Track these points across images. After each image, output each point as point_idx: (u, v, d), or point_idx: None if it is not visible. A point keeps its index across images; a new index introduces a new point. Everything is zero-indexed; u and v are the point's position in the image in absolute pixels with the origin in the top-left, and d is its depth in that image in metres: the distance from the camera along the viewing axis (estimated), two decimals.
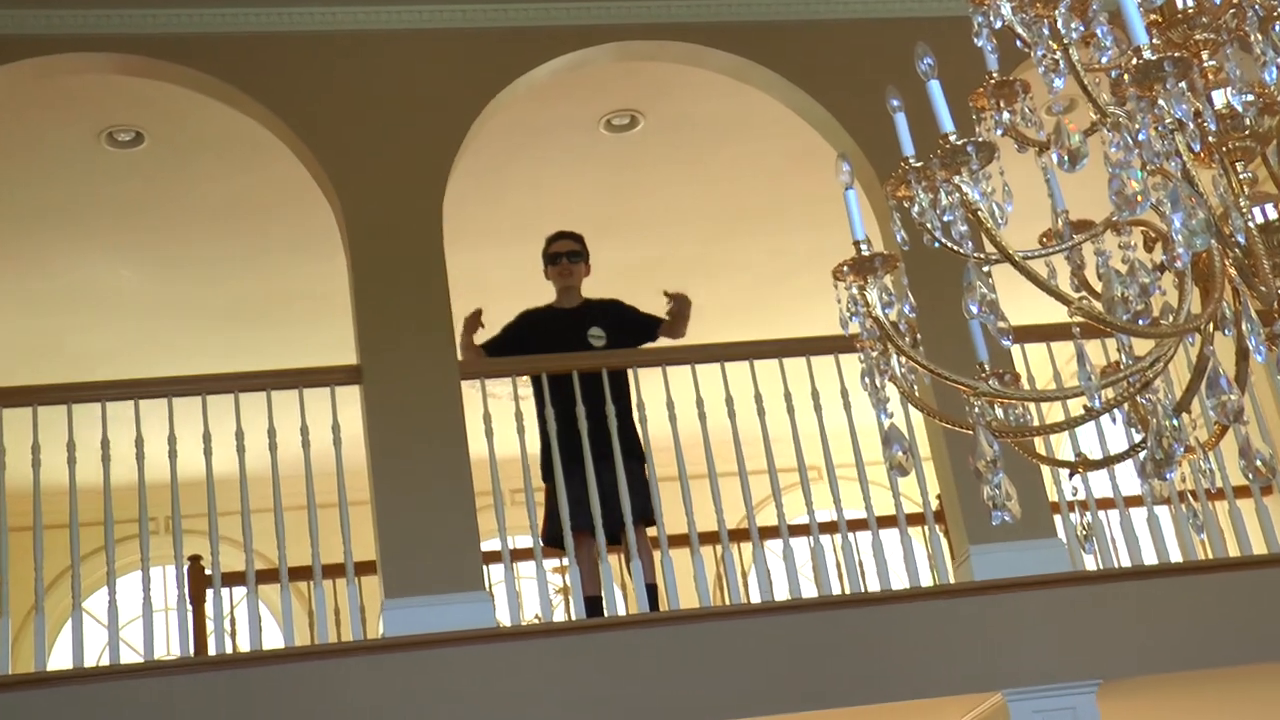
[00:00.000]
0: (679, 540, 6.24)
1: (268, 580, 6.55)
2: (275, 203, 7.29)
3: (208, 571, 6.74)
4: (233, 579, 6.38)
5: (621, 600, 6.83)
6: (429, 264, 5.83)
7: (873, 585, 7.85)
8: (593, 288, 6.55)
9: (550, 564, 8.04)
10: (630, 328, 6.22)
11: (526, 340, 6.16)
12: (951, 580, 5.86)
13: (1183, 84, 1.99)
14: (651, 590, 5.70)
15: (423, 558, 5.38)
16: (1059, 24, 2.23)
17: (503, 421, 5.88)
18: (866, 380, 2.41)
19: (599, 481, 5.63)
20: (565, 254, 6.27)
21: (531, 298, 6.48)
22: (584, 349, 6.07)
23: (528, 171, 7.38)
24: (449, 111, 6.11)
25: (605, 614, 5.49)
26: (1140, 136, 2.05)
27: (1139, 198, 2.07)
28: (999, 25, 2.31)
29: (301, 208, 7.16)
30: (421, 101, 6.13)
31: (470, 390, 5.96)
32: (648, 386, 6.12)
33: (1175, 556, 6.75)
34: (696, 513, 5.62)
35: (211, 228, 7.51)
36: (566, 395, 5.74)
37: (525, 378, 6.20)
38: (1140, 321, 2.20)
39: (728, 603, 6.94)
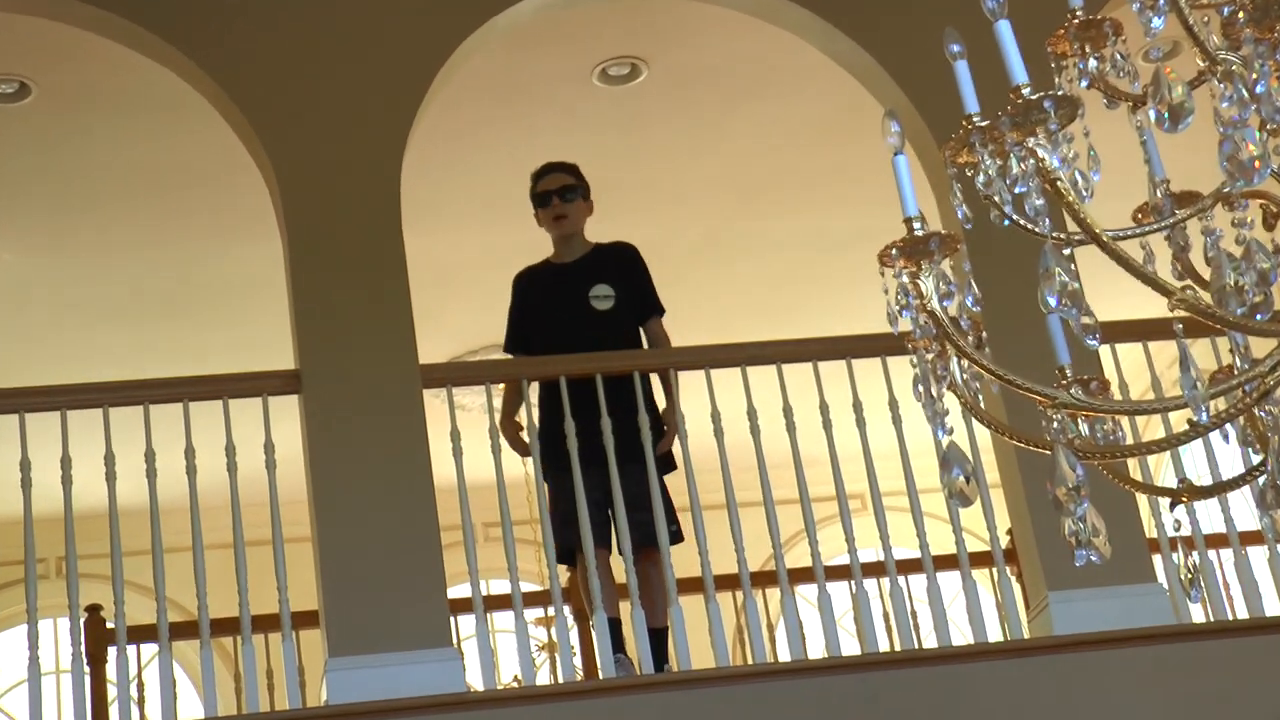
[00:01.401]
0: (690, 584, 6.23)
1: (184, 635, 6.52)
2: (196, 173, 7.31)
3: (110, 624, 6.74)
4: (141, 634, 6.38)
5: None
6: (383, 248, 5.85)
7: (928, 641, 7.84)
8: None
9: (533, 614, 8.04)
10: (638, 292, 6.10)
11: (526, 313, 6.11)
12: (1025, 635, 5.87)
13: None
14: (658, 637, 5.68)
15: (376, 607, 5.39)
16: None
17: (474, 439, 5.89)
18: (920, 389, 2.42)
19: (593, 494, 5.60)
20: (556, 191, 6.12)
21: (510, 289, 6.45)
22: (581, 311, 6.01)
23: (504, 134, 7.40)
24: (407, 61, 6.13)
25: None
26: (1258, 89, 2.05)
27: (1256, 164, 2.07)
28: None
29: (228, 180, 7.19)
30: (374, 49, 6.16)
31: (435, 401, 5.95)
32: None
33: None
34: (713, 551, 5.61)
35: (115, 203, 7.52)
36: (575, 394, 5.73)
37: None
38: (1258, 316, 2.20)
39: (750, 661, 6.93)
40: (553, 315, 6.03)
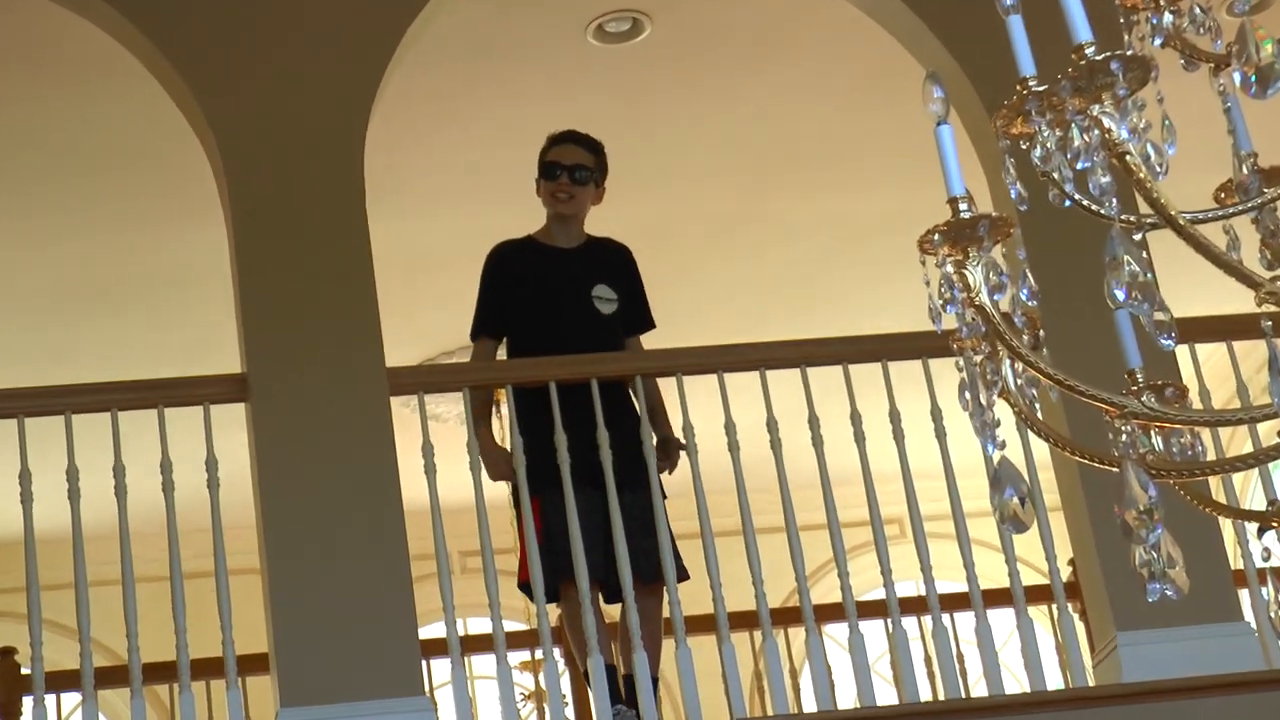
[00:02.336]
0: (700, 623, 6.23)
1: (112, 683, 6.54)
2: (126, 150, 7.32)
3: (25, 670, 6.73)
4: (62, 680, 6.38)
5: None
6: (344, 233, 5.85)
7: (977, 690, 7.84)
8: None
9: (517, 657, 8.04)
10: (635, 301, 6.09)
11: (509, 292, 6.02)
12: (1090, 682, 5.85)
13: None
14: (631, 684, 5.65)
15: (335, 650, 5.38)
16: None
17: (450, 455, 5.88)
18: (967, 396, 2.42)
19: (592, 517, 5.60)
20: (569, 168, 6.04)
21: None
22: (586, 311, 5.98)
23: (485, 100, 7.41)
24: (372, 15, 6.13)
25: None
26: None
27: None
28: None
29: (164, 156, 7.20)
30: (333, 1, 6.16)
31: (405, 410, 5.94)
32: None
33: None
34: (726, 584, 5.60)
35: (31, 180, 7.52)
36: (550, 404, 5.72)
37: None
38: None
39: (770, 713, 6.93)
40: (548, 304, 5.97)
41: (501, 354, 6.06)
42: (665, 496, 5.76)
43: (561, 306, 5.97)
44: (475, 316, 6.05)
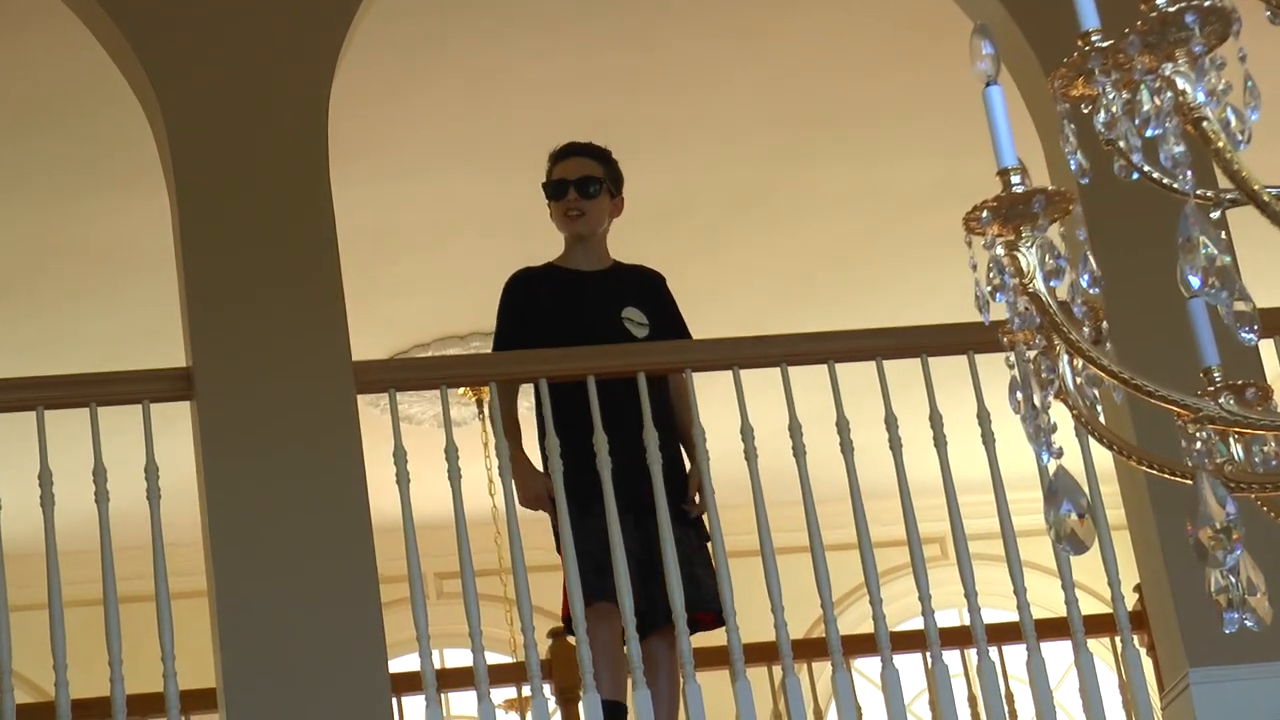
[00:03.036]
0: (711, 656, 6.23)
1: None
2: (54, 110, 7.34)
3: None
4: None
5: None
6: (305, 207, 5.89)
7: None
8: None
9: (501, 695, 8.03)
10: (671, 327, 6.24)
11: (535, 317, 6.17)
12: None
13: None
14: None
15: (292, 684, 5.41)
16: None
17: (425, 462, 5.85)
18: (1019, 397, 2.45)
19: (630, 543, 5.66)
20: (574, 182, 6.22)
21: (478, 257, 6.44)
22: (618, 337, 6.13)
23: (465, 55, 7.42)
24: None
25: None
26: None
27: None
28: None
29: (98, 117, 7.21)
30: None
31: (373, 411, 5.92)
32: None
33: None
34: (741, 612, 5.62)
35: None
36: (578, 412, 5.77)
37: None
38: None
39: None
40: (576, 328, 6.09)
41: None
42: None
43: (589, 326, 6.10)
44: (495, 345, 6.21)
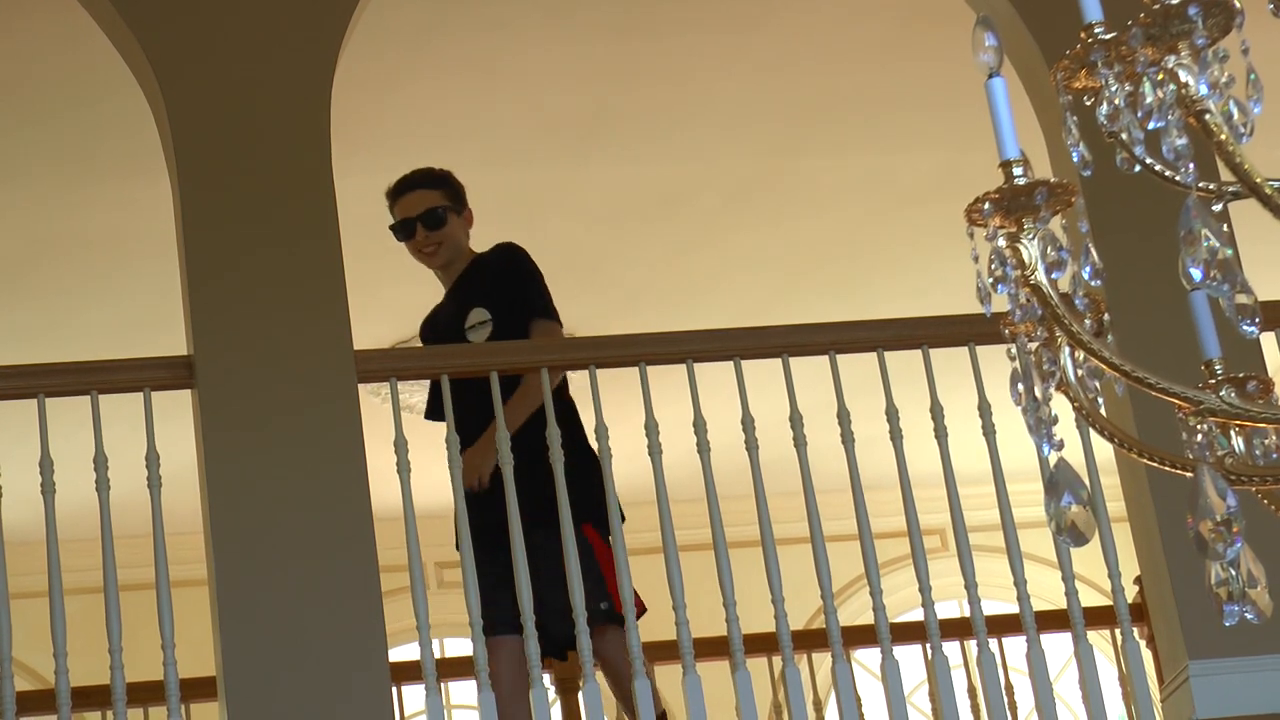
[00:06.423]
0: (711, 647, 6.23)
1: (37, 709, 6.54)
2: (55, 96, 7.33)
3: None
4: None
5: None
6: (307, 194, 5.89)
7: None
8: (572, 233, 6.50)
9: None
10: (517, 297, 6.08)
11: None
12: (1158, 716, 5.91)
13: None
14: None
15: (292, 672, 5.41)
16: None
17: (426, 451, 5.85)
18: (1020, 389, 2.44)
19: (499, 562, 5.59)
20: (419, 218, 6.12)
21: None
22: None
23: (469, 44, 7.41)
24: None
25: None
26: None
27: None
28: None
29: (104, 104, 7.18)
30: None
31: (374, 400, 5.92)
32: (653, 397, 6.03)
33: None
34: (740, 603, 5.62)
35: None
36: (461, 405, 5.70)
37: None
38: None
39: None
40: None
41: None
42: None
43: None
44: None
